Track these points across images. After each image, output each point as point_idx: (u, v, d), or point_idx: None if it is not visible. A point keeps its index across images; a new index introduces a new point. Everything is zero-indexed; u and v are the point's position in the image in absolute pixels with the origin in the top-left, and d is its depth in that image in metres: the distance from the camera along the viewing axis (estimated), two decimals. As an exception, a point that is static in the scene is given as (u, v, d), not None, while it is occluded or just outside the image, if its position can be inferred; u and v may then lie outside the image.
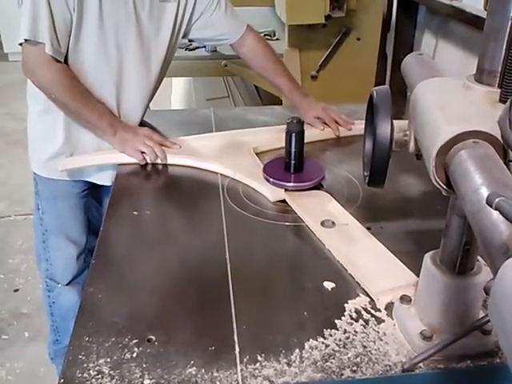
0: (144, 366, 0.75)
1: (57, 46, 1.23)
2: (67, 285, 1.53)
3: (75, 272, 1.53)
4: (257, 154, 1.37)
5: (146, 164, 1.33)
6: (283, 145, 1.23)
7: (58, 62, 1.25)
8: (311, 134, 1.41)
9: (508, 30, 0.62)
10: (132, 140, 1.32)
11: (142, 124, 1.49)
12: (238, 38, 1.52)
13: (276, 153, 1.36)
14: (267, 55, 1.55)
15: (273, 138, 1.43)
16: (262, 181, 1.22)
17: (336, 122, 1.49)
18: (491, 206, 0.40)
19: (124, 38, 1.32)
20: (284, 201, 1.18)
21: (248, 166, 1.30)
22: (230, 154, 1.36)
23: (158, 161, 1.33)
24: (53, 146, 1.40)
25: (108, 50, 1.32)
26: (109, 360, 0.76)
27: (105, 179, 1.44)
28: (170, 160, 1.34)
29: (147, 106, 1.49)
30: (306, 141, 1.22)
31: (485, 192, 0.46)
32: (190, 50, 2.49)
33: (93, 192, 1.53)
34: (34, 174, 1.47)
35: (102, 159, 1.38)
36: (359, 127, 1.39)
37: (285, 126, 1.21)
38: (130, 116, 1.42)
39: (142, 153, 1.31)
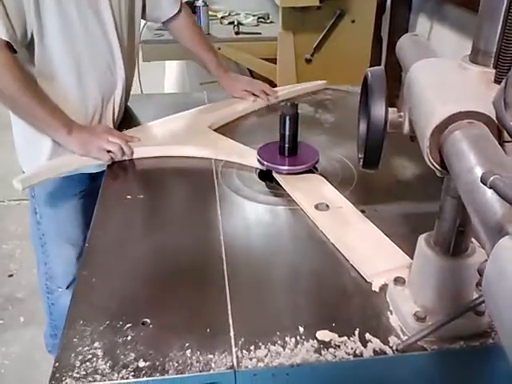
0: (139, 348, 0.75)
1: (12, 33, 1.13)
2: (67, 288, 1.48)
3: (75, 274, 1.45)
4: (215, 130, 1.43)
5: (113, 163, 1.24)
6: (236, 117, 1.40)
7: (9, 51, 1.14)
8: (245, 106, 1.57)
9: (503, 10, 0.61)
10: (94, 140, 1.22)
11: (126, 110, 1.48)
12: (174, 13, 1.53)
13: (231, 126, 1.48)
14: (196, 31, 1.60)
15: (228, 112, 1.53)
16: (243, 154, 1.27)
17: (264, 92, 1.59)
18: (485, 185, 0.40)
19: (86, 25, 1.24)
20: (278, 184, 1.17)
21: (219, 143, 1.34)
22: (195, 135, 1.37)
23: (125, 157, 1.25)
24: (43, 146, 1.31)
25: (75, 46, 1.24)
26: (103, 343, 0.76)
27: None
28: (138, 154, 1.27)
29: (128, 92, 1.45)
30: (242, 114, 1.45)
31: (479, 172, 0.46)
32: (183, 33, 2.46)
33: (90, 191, 1.42)
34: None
35: (61, 168, 1.25)
36: (281, 93, 1.64)
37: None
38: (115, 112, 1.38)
39: (108, 152, 1.23)
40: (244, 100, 1.59)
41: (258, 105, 1.60)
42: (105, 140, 1.22)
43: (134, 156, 1.27)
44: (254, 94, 1.59)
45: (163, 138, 1.36)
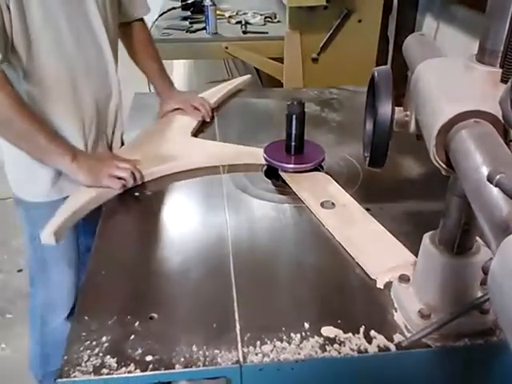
0: (146, 343, 0.76)
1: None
2: (68, 318, 1.36)
3: (75, 301, 1.31)
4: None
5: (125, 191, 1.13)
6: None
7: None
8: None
9: (511, 9, 0.62)
10: (102, 166, 1.10)
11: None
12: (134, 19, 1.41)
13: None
14: (145, 37, 1.48)
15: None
16: (247, 154, 1.27)
17: (196, 108, 1.47)
18: (492, 183, 0.41)
19: (78, 37, 1.15)
20: (284, 182, 1.18)
21: (218, 149, 1.31)
22: (190, 146, 1.32)
23: (137, 182, 1.15)
24: (43, 175, 1.20)
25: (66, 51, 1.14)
26: (111, 337, 0.77)
27: None
28: (147, 177, 1.18)
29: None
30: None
31: (485, 170, 0.46)
32: (191, 32, 2.47)
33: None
34: (24, 201, 1.26)
35: (88, 205, 1.09)
36: (213, 101, 1.55)
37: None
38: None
39: (119, 179, 1.11)
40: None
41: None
42: (113, 166, 1.11)
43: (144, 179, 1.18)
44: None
45: (161, 156, 1.25)
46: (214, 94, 1.61)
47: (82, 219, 1.09)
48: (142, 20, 1.45)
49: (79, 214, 1.06)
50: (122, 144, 1.37)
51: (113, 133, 1.33)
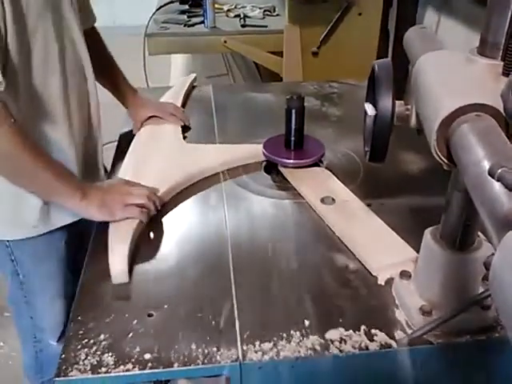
0: (144, 341, 0.75)
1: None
2: (58, 341, 1.27)
3: (66, 324, 1.11)
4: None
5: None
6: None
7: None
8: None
9: (513, 1, 0.61)
10: (114, 197, 0.97)
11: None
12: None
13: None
14: (102, 46, 1.35)
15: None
16: (247, 154, 1.24)
17: (173, 115, 1.39)
18: (493, 177, 0.40)
19: (64, 54, 1.06)
20: (284, 178, 1.17)
21: (217, 153, 1.24)
22: (189, 155, 1.24)
23: (158, 206, 1.03)
24: (31, 208, 1.07)
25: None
26: (109, 336, 0.76)
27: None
28: (165, 197, 1.08)
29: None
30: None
31: (487, 164, 0.46)
32: (189, 26, 2.46)
33: (73, 238, 1.19)
34: (3, 241, 1.12)
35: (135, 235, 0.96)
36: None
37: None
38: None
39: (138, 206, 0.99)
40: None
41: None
42: (127, 194, 0.98)
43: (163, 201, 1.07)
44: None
45: (170, 172, 1.15)
46: (176, 98, 1.53)
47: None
48: (93, 28, 1.32)
49: (133, 243, 0.95)
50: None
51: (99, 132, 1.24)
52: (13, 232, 1.10)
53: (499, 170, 0.39)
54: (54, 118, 1.06)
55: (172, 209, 1.09)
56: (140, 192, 1.00)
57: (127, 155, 1.23)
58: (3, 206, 1.08)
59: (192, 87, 1.68)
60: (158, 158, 1.21)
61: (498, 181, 0.40)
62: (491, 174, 0.40)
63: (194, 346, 0.74)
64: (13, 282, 1.22)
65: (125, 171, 1.14)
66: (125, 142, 1.32)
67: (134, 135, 1.35)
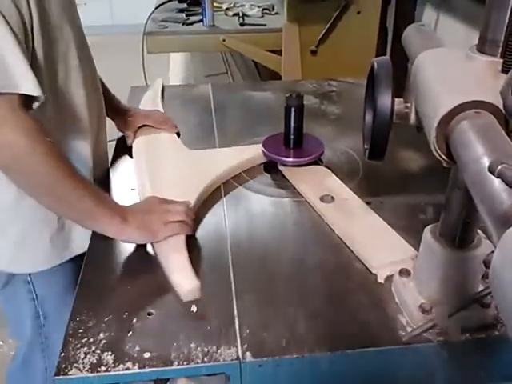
0: (144, 340, 0.75)
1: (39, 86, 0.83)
2: None
3: None
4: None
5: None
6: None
7: (28, 117, 0.82)
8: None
9: (512, -2, 0.61)
10: (154, 217, 0.92)
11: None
12: None
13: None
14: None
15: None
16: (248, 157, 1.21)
17: (163, 123, 1.35)
18: (493, 174, 0.40)
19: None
20: (283, 176, 1.17)
21: (220, 160, 1.20)
22: (193, 163, 1.19)
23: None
24: (46, 229, 1.03)
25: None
26: (108, 334, 0.76)
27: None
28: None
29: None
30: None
31: (486, 161, 0.46)
32: (188, 24, 2.45)
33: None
34: (17, 276, 1.06)
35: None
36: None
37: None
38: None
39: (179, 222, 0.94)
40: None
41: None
42: (165, 212, 0.94)
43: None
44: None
45: (190, 181, 1.11)
46: (157, 105, 1.49)
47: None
48: None
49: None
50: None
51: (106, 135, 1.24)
52: (34, 263, 1.02)
53: (499, 167, 0.39)
54: (79, 129, 1.05)
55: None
56: (178, 208, 0.95)
57: (136, 170, 1.18)
58: (21, 235, 1.03)
59: (162, 92, 1.63)
60: (170, 169, 1.17)
61: (497, 177, 0.40)
62: (491, 170, 0.40)
63: (193, 345, 0.74)
64: (32, 327, 1.13)
65: (143, 188, 1.09)
66: (122, 143, 1.32)
67: (128, 146, 1.30)
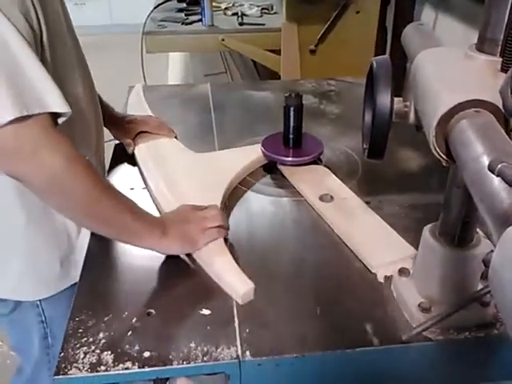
0: (143, 339, 0.75)
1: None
2: None
3: None
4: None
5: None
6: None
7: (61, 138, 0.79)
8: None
9: (511, -3, 0.61)
10: (192, 226, 0.90)
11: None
12: None
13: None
14: None
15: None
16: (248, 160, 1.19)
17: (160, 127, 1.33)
18: (493, 173, 0.40)
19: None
20: (283, 175, 1.17)
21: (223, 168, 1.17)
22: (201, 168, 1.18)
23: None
24: (56, 254, 1.00)
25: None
26: (108, 334, 0.76)
27: None
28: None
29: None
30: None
31: (486, 160, 0.46)
32: (187, 24, 2.46)
33: None
34: (25, 303, 1.03)
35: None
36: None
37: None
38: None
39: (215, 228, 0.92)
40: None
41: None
42: (202, 219, 0.92)
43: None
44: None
45: (210, 183, 1.10)
46: (146, 110, 1.45)
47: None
48: None
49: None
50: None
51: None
52: (44, 289, 0.98)
53: (499, 165, 0.39)
54: (87, 143, 1.04)
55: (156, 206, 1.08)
56: (213, 213, 0.93)
57: (149, 179, 1.14)
58: (32, 262, 1.00)
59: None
60: (184, 175, 1.15)
61: (497, 176, 0.40)
62: (491, 169, 0.40)
63: (193, 344, 0.74)
64: (40, 347, 1.10)
65: (164, 197, 1.06)
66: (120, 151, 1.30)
67: (128, 153, 1.27)
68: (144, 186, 1.14)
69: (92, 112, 1.07)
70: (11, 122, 0.71)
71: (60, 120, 0.79)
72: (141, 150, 1.25)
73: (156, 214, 1.00)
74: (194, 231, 0.90)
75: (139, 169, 1.21)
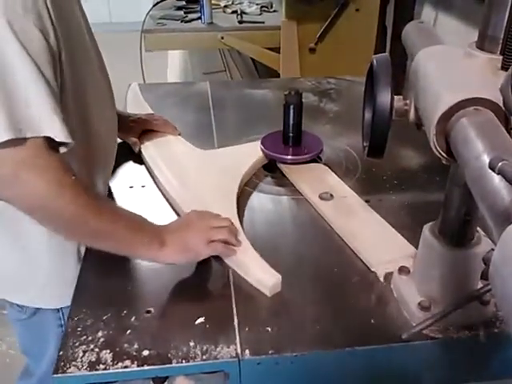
0: (142, 338, 0.75)
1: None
2: None
3: None
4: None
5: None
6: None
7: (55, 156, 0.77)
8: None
9: (512, -5, 0.61)
10: (194, 236, 0.87)
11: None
12: None
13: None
14: None
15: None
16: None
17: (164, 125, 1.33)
18: (494, 171, 0.40)
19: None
20: (282, 174, 1.17)
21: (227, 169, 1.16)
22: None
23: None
24: (77, 261, 0.98)
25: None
26: (107, 332, 0.76)
27: None
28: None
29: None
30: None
31: (487, 158, 0.46)
32: (186, 22, 2.45)
33: None
34: (59, 310, 1.02)
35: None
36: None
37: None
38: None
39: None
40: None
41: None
42: (207, 230, 0.88)
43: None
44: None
45: (222, 183, 1.10)
46: (147, 109, 1.45)
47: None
48: None
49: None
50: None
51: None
52: (70, 297, 0.91)
53: (500, 164, 0.39)
54: (104, 164, 1.04)
55: (168, 205, 1.08)
56: (221, 224, 0.91)
57: (161, 178, 1.13)
58: (54, 270, 0.98)
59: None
60: (197, 173, 1.15)
61: (498, 174, 0.40)
62: (492, 167, 0.40)
63: (192, 343, 0.74)
64: (56, 350, 1.08)
65: (181, 197, 1.05)
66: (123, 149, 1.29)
67: (135, 152, 1.27)
68: (143, 185, 1.14)
69: (113, 117, 1.06)
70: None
71: (62, 149, 0.77)
72: (148, 149, 1.25)
73: (166, 211, 1.02)
74: (194, 241, 0.87)
75: (147, 167, 1.21)
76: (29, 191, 0.74)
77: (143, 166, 1.22)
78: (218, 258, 0.90)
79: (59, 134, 0.74)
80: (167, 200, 1.08)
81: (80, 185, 0.79)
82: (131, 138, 1.27)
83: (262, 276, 0.84)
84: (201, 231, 0.88)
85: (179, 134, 1.32)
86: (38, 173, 0.74)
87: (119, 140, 1.29)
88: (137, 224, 0.86)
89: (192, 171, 1.15)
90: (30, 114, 0.72)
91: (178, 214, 1.03)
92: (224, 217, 0.94)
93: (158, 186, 1.13)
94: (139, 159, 1.24)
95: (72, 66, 0.85)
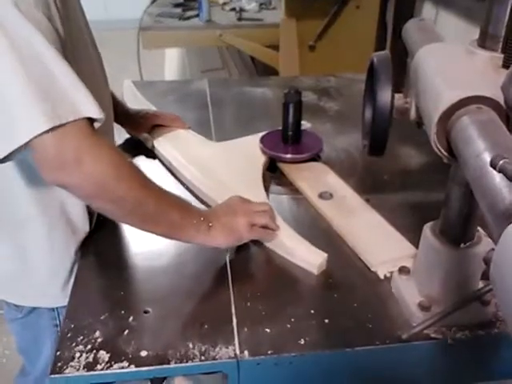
0: (140, 338, 0.74)
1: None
2: None
3: None
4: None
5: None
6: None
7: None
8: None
9: (513, -7, 0.60)
10: (239, 220, 0.89)
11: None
12: None
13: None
14: None
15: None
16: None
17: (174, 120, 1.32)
18: (495, 169, 0.39)
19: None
20: (282, 172, 1.16)
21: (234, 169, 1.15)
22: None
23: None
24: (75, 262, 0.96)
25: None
26: (104, 333, 0.75)
27: None
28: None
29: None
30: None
31: (488, 157, 0.45)
32: (184, 19, 2.44)
33: None
34: (55, 310, 1.00)
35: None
36: None
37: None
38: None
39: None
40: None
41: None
42: (250, 214, 0.91)
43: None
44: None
45: (246, 179, 1.10)
46: (148, 105, 1.43)
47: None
48: None
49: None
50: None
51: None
52: (67, 297, 0.90)
53: (501, 162, 0.39)
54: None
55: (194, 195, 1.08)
56: (262, 208, 0.94)
57: (184, 172, 1.13)
58: (52, 271, 0.96)
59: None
60: (219, 165, 1.15)
61: (499, 172, 0.39)
62: (493, 165, 0.40)
63: (190, 343, 0.73)
64: (52, 350, 1.03)
65: (207, 188, 1.06)
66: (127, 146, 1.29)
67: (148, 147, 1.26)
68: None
69: (109, 116, 1.05)
70: (48, 133, 0.69)
71: (96, 125, 0.76)
72: (161, 143, 1.25)
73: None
74: (240, 224, 0.89)
75: (162, 161, 1.21)
76: (92, 174, 0.74)
77: (147, 162, 1.22)
78: (218, 255, 0.90)
79: (97, 110, 0.74)
80: (189, 191, 1.09)
81: (134, 166, 0.81)
82: (142, 134, 1.28)
83: (309, 256, 0.88)
84: (246, 215, 0.90)
85: (189, 128, 1.31)
86: (94, 156, 0.73)
87: (127, 135, 1.30)
88: (186, 207, 0.87)
89: (211, 161, 1.16)
90: (66, 96, 0.71)
91: (202, 203, 1.04)
92: (263, 202, 0.98)
93: (177, 178, 1.14)
94: (146, 154, 1.24)
95: (73, 63, 0.84)
